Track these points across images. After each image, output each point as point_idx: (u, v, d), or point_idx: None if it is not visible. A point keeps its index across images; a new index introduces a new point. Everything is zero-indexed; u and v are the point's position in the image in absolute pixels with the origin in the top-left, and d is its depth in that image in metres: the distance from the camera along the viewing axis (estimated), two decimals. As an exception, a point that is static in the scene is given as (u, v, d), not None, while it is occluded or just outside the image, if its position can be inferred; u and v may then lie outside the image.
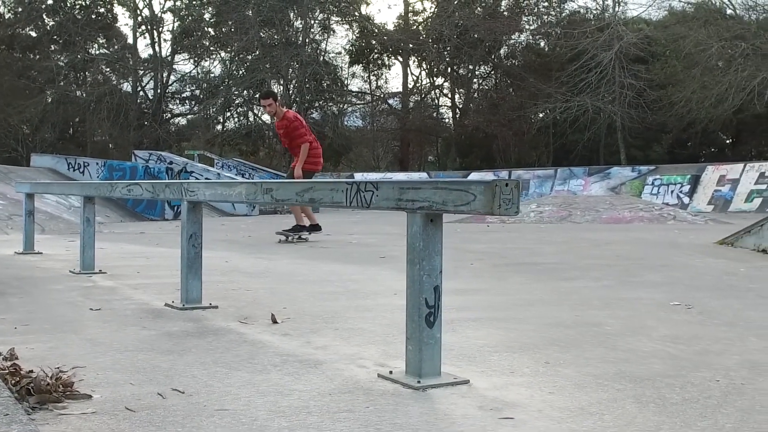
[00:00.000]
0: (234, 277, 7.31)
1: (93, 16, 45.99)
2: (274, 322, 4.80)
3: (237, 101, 45.96)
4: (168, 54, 47.45)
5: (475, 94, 48.10)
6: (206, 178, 26.10)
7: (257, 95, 14.85)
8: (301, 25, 46.09)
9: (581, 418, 2.87)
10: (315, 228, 12.05)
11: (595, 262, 8.73)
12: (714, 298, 6.05)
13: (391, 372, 3.47)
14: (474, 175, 33.88)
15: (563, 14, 45.72)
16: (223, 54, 47.36)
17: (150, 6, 46.94)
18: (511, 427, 2.77)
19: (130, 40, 47.63)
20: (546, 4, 45.97)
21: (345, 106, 48.21)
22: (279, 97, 11.25)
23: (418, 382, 3.27)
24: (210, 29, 47.10)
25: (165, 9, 47.21)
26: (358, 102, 49.73)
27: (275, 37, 45.03)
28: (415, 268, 3.30)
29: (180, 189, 5.35)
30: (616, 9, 42.19)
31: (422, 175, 35.93)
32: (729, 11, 38.27)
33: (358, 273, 7.72)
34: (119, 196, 6.94)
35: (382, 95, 49.23)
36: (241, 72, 45.22)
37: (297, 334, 4.48)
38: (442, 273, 3.33)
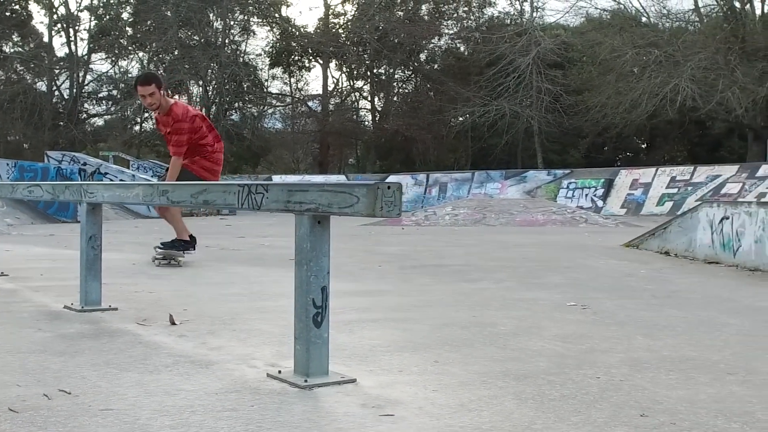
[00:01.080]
0: (139, 279, 7.27)
1: (7, 13, 45.10)
2: (172, 323, 4.81)
3: (155, 102, 45.45)
4: (84, 53, 46.84)
5: (395, 98, 48.38)
6: (120, 180, 25.80)
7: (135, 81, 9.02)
8: (220, 26, 45.85)
9: (460, 415, 2.95)
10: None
11: (501, 264, 8.89)
12: (610, 298, 6.22)
13: (280, 371, 3.51)
14: (392, 178, 34.08)
15: (482, 19, 46.23)
16: (141, 54, 46.89)
17: (66, 4, 46.37)
18: (390, 423, 2.84)
19: (46, 39, 46.90)
20: (466, 9, 46.44)
21: (265, 108, 48.09)
22: (164, 85, 8.67)
23: (305, 381, 3.32)
24: (128, 28, 46.57)
25: (82, 7, 46.69)
26: (278, 104, 49.67)
27: (194, 37, 44.77)
28: (302, 269, 3.35)
29: (79, 190, 5.32)
30: (534, 15, 42.82)
31: (340, 178, 36.01)
32: (644, 19, 39.14)
33: (264, 275, 7.74)
34: (20, 197, 6.86)
35: (302, 97, 49.22)
36: (159, 72, 44.76)
37: (194, 335, 4.49)
38: (329, 274, 3.39)
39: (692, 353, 4.13)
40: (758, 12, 35.84)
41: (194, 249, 8.85)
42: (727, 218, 9.35)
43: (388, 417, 2.91)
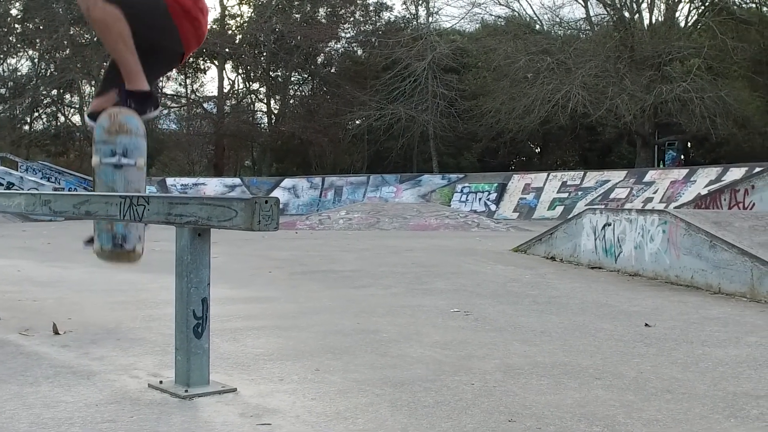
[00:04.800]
0: (24, 286, 7.17)
1: None
2: (56, 333, 4.78)
3: (45, 101, 44.48)
4: (-29, 50, 45.43)
5: (292, 101, 48.23)
6: (8, 182, 25.19)
7: None
8: (114, 25, 44.99)
9: (335, 422, 3.04)
10: None
11: (390, 270, 9.01)
12: (492, 304, 6.39)
13: (161, 382, 3.56)
14: (287, 181, 34.03)
15: (379, 23, 46.46)
16: (30, 52, 45.70)
17: (-49, -1, 44.84)
18: (266, 432, 2.92)
19: (-71, 35, 45.35)
20: (363, 12, 46.62)
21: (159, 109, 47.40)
22: None
23: (186, 391, 3.37)
24: (17, 25, 45.35)
25: (-32, 3, 45.20)
26: (173, 105, 48.94)
27: (86, 35, 43.83)
28: (183, 281, 3.40)
29: (-41, 198, 5.23)
30: (430, 20, 43.23)
31: (236, 181, 35.76)
32: (537, 26, 39.88)
33: (152, 282, 7.67)
34: None
35: (197, 99, 48.67)
36: (50, 71, 43.79)
37: (76, 345, 4.48)
38: (210, 285, 3.44)
39: (565, 359, 4.30)
40: (647, 22, 36.89)
41: None
42: (609, 225, 9.67)
43: (265, 426, 2.99)
